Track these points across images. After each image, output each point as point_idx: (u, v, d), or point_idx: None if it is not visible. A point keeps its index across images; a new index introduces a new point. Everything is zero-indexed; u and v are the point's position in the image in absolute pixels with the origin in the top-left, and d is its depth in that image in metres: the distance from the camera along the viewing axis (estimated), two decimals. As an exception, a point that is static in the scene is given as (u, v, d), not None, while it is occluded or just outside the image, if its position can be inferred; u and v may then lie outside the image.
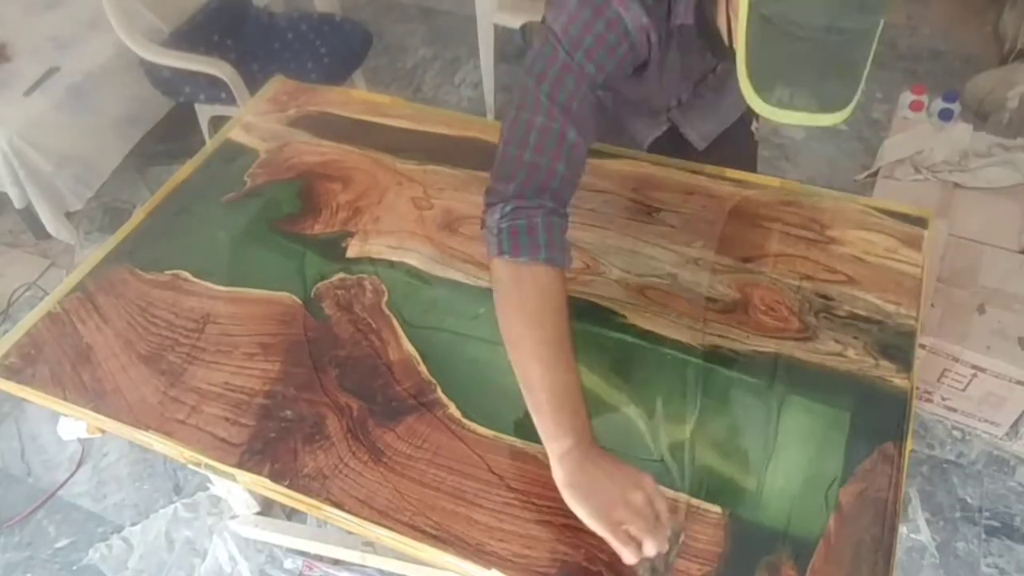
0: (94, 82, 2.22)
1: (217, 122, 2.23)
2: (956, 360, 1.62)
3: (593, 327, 1.06)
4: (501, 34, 2.38)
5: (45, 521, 1.76)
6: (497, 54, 2.43)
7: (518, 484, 0.91)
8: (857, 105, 0.75)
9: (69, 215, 2.27)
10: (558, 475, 0.82)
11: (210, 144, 1.40)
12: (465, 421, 0.97)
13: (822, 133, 2.50)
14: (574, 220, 1.20)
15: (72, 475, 1.82)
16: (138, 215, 1.27)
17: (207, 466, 0.97)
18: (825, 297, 1.08)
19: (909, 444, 0.92)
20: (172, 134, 2.51)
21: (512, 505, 0.89)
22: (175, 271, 1.18)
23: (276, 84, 1.52)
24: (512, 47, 2.82)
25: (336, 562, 1.59)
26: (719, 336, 1.04)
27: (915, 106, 2.08)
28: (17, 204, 2.18)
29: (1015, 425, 1.68)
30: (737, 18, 0.74)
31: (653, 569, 0.80)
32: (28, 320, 1.13)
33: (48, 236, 2.29)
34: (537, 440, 0.94)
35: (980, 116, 2.36)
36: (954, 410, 1.73)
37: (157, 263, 1.19)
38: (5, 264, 2.34)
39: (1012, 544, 1.57)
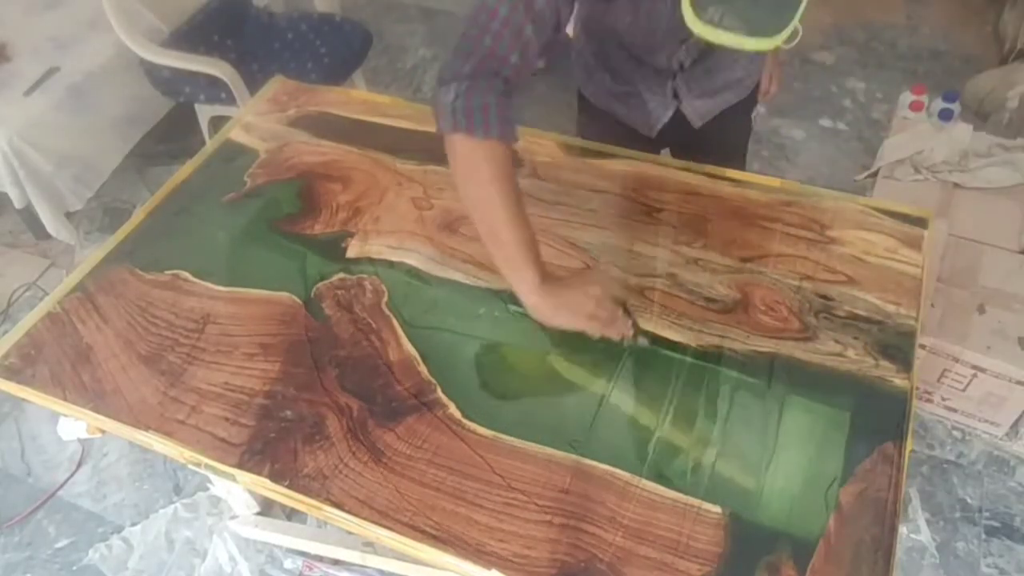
0: (94, 82, 2.22)
1: (217, 122, 2.23)
2: (956, 360, 1.62)
3: (593, 327, 1.06)
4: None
5: (45, 521, 1.76)
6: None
7: (518, 484, 0.91)
8: (792, 34, 0.79)
9: (69, 215, 2.27)
10: (531, 303, 0.97)
11: (210, 144, 1.40)
12: (465, 421, 0.97)
13: (822, 132, 2.50)
14: (574, 220, 1.20)
15: (72, 475, 1.82)
16: (138, 215, 1.27)
17: (207, 466, 0.97)
18: (825, 297, 1.08)
19: (909, 444, 0.92)
20: (172, 134, 2.51)
21: (512, 505, 0.89)
22: (175, 271, 1.18)
23: (276, 84, 1.52)
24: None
25: (336, 562, 1.59)
26: (719, 336, 1.04)
27: (915, 106, 2.08)
28: (17, 204, 2.18)
29: (1015, 425, 1.68)
30: None
31: (633, 335, 1.01)
32: (28, 320, 1.13)
33: (48, 236, 2.29)
34: (537, 440, 0.95)
35: (980, 116, 2.36)
36: (954, 410, 1.73)
37: (157, 263, 1.19)
38: (5, 264, 2.34)
39: (1012, 544, 1.56)
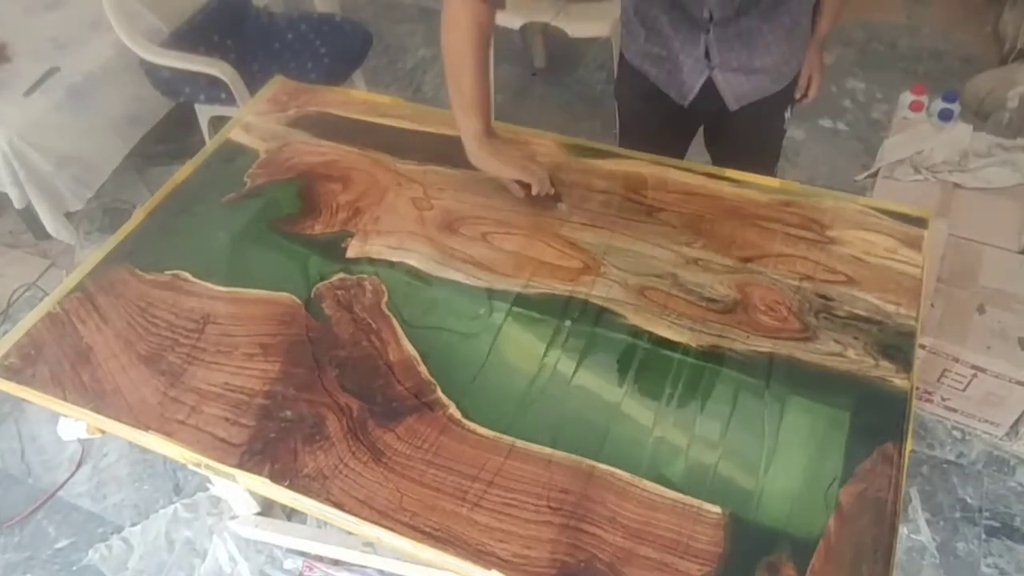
0: (94, 82, 2.22)
1: (217, 122, 2.23)
2: (956, 360, 1.62)
3: (593, 327, 1.06)
4: (501, 34, 2.38)
5: (45, 521, 1.76)
6: (497, 54, 2.43)
7: (518, 484, 0.91)
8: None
9: (69, 215, 2.27)
10: (471, 148, 1.17)
11: (210, 144, 1.40)
12: (465, 421, 0.97)
13: (822, 133, 2.51)
14: (574, 220, 1.20)
15: (72, 475, 1.82)
16: (138, 215, 1.27)
17: (207, 466, 0.97)
18: (825, 297, 1.08)
19: (909, 444, 0.92)
20: (172, 134, 2.51)
21: (512, 505, 0.89)
22: (175, 271, 1.18)
23: (276, 84, 1.52)
24: (512, 47, 2.83)
25: (336, 562, 1.59)
26: (719, 336, 1.04)
27: (915, 106, 2.08)
28: (17, 204, 2.18)
29: (1015, 425, 1.68)
30: None
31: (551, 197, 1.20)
32: (28, 320, 1.13)
33: (48, 236, 2.29)
34: (536, 440, 0.95)
35: (980, 116, 2.36)
36: (954, 410, 1.73)
37: (157, 263, 1.19)
38: (5, 264, 2.34)
39: (1012, 544, 1.56)
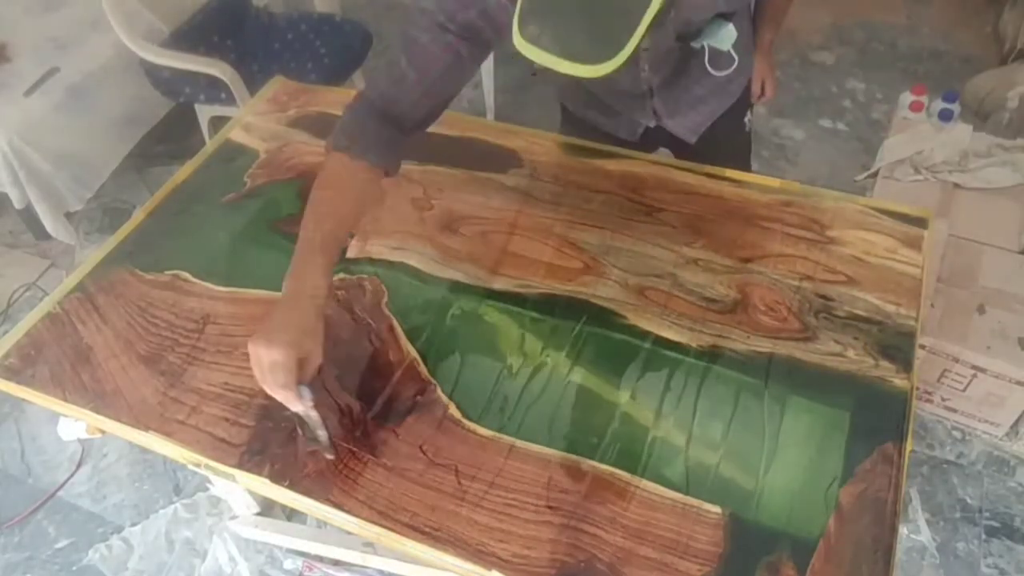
0: (94, 83, 2.22)
1: (217, 122, 2.23)
2: (956, 360, 1.62)
3: (593, 327, 1.06)
4: (501, 34, 2.38)
5: (45, 522, 1.75)
6: (497, 55, 2.43)
7: (518, 484, 0.91)
8: (618, 69, 0.72)
9: (69, 216, 2.27)
10: (304, 313, 0.89)
11: (210, 144, 1.40)
12: (465, 421, 0.97)
13: (822, 133, 2.51)
14: (574, 220, 1.20)
15: (72, 476, 1.82)
16: (138, 215, 1.27)
17: (207, 467, 0.97)
18: (825, 297, 1.08)
19: (909, 444, 0.92)
20: (172, 134, 2.51)
21: (512, 505, 0.89)
22: (175, 271, 1.18)
23: (276, 84, 1.52)
24: (512, 48, 2.82)
25: (336, 563, 1.59)
26: (719, 336, 1.04)
27: (915, 106, 2.08)
28: (17, 204, 2.18)
29: (1015, 425, 1.68)
30: None
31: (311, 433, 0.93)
32: (28, 321, 1.13)
33: (48, 237, 2.29)
34: (537, 440, 0.94)
35: (980, 116, 2.36)
36: (954, 410, 1.73)
37: (157, 263, 1.19)
38: (5, 264, 2.34)
39: (1012, 544, 1.56)
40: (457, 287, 1.13)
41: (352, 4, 3.17)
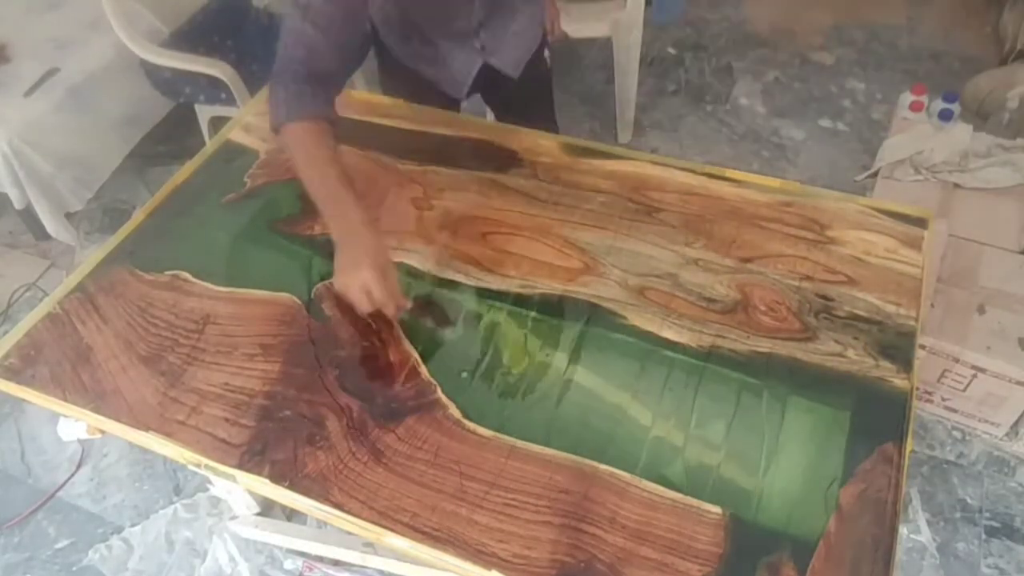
0: (94, 83, 2.22)
1: (217, 123, 2.23)
2: (956, 360, 1.62)
3: (593, 327, 1.06)
4: (501, 35, 2.38)
5: (45, 522, 1.75)
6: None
7: (518, 484, 0.91)
8: None
9: (69, 216, 2.27)
10: (338, 247, 1.03)
11: (210, 145, 1.40)
12: (465, 422, 0.97)
13: (822, 133, 2.51)
14: (574, 220, 1.20)
15: (72, 476, 1.82)
16: (138, 216, 1.27)
17: (207, 467, 0.97)
18: (825, 297, 1.08)
19: (909, 444, 0.92)
20: (172, 135, 2.51)
21: (512, 506, 0.89)
22: (175, 272, 1.18)
23: (276, 85, 1.51)
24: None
25: (336, 563, 1.59)
26: (719, 336, 1.04)
27: (915, 106, 2.08)
28: (17, 205, 2.18)
29: (1015, 425, 1.68)
30: None
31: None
32: (28, 321, 1.13)
33: (48, 237, 2.29)
34: (536, 440, 0.94)
35: (980, 116, 2.36)
36: (954, 410, 1.73)
37: (157, 264, 1.19)
38: (5, 265, 2.34)
39: (1012, 544, 1.56)
40: (457, 287, 1.13)
41: (352, 4, 3.17)
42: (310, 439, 0.96)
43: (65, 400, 1.03)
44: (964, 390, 1.67)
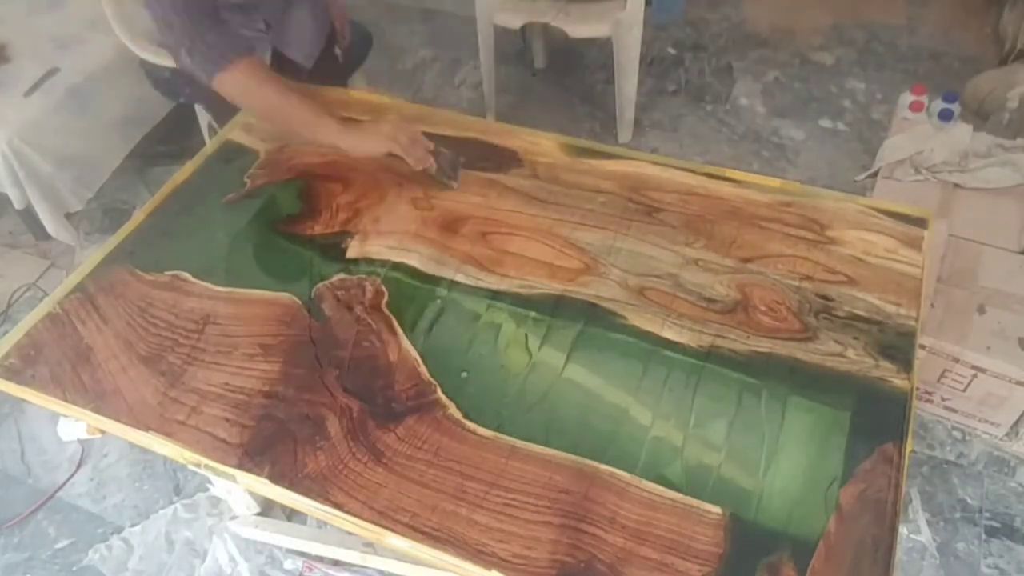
0: (94, 83, 2.22)
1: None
2: (956, 360, 1.62)
3: (593, 327, 1.06)
4: (501, 35, 2.38)
5: (45, 522, 1.75)
6: (497, 55, 2.43)
7: (518, 485, 0.91)
8: None
9: (69, 216, 2.27)
10: (343, 142, 1.22)
11: (210, 145, 1.40)
12: (465, 422, 0.97)
13: (822, 133, 2.51)
14: (574, 220, 1.20)
15: (72, 476, 1.82)
16: (138, 216, 1.27)
17: (207, 467, 0.97)
18: (825, 297, 1.08)
19: (909, 445, 0.92)
20: (172, 135, 2.51)
21: (512, 506, 0.89)
22: (175, 272, 1.18)
23: (276, 85, 1.52)
24: (512, 48, 2.83)
25: (336, 563, 1.59)
26: (719, 336, 1.04)
27: (915, 106, 2.08)
28: (17, 205, 2.18)
29: (1015, 426, 1.68)
30: None
31: (441, 170, 1.25)
32: (28, 321, 1.13)
33: (48, 237, 2.29)
34: (536, 440, 0.94)
35: (980, 116, 2.35)
36: (954, 410, 1.73)
37: (157, 264, 1.19)
38: (5, 265, 2.34)
39: (1012, 544, 1.56)
40: (457, 287, 1.13)
41: (352, 4, 3.15)
42: (310, 439, 0.96)
43: (65, 400, 1.03)
44: (964, 390, 1.67)
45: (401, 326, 1.08)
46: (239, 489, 1.54)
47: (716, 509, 0.88)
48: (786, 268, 1.12)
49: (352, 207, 1.26)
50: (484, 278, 1.14)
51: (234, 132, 1.41)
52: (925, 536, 1.58)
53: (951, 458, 1.71)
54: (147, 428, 0.99)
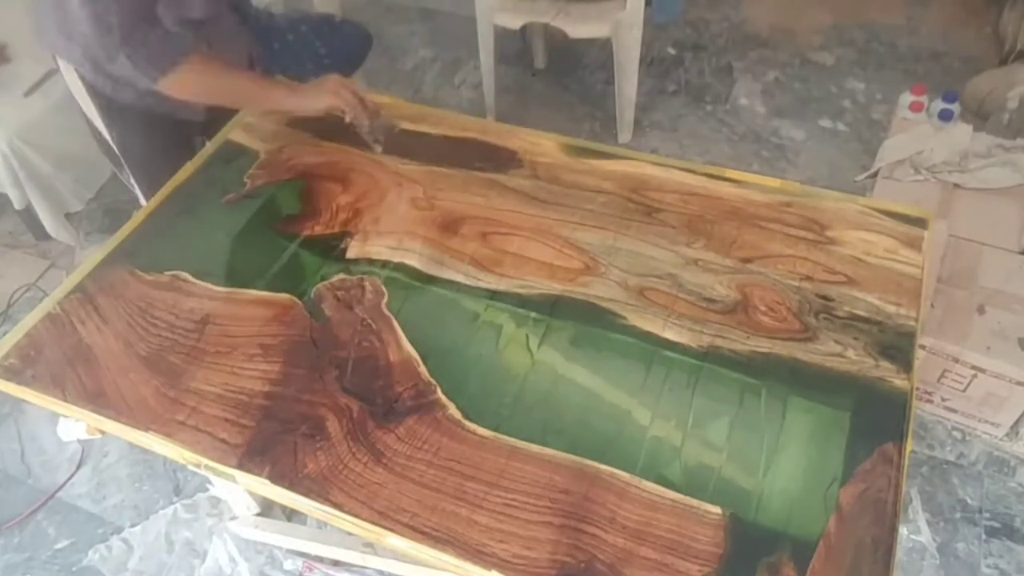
0: (94, 83, 2.22)
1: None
2: (956, 361, 1.62)
3: (593, 328, 1.06)
4: (501, 35, 2.38)
5: (45, 522, 1.75)
6: (497, 55, 2.43)
7: (518, 485, 0.91)
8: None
9: (69, 216, 2.27)
10: (292, 104, 1.30)
11: (210, 145, 1.40)
12: (465, 422, 0.97)
13: (822, 133, 2.51)
14: (574, 220, 1.20)
15: (72, 476, 1.82)
16: (138, 216, 1.27)
17: (207, 467, 0.97)
18: (825, 298, 1.08)
19: (909, 445, 0.92)
20: (172, 135, 2.50)
21: (512, 506, 0.89)
22: (175, 272, 1.18)
23: (276, 85, 1.52)
24: (512, 48, 2.82)
25: (336, 563, 1.59)
26: (719, 337, 1.04)
27: (915, 107, 2.08)
28: (17, 205, 2.18)
29: (1015, 426, 1.68)
30: None
31: (370, 131, 1.32)
32: (28, 321, 1.13)
33: (48, 237, 2.29)
34: (536, 440, 0.94)
35: (980, 116, 2.35)
36: (954, 411, 1.73)
37: (157, 264, 1.19)
38: (5, 265, 2.34)
39: (1012, 545, 1.56)
40: (457, 287, 1.13)
41: (352, 5, 3.17)
42: (310, 439, 0.96)
43: (65, 400, 1.03)
44: (964, 390, 1.67)
45: (401, 326, 1.08)
46: (239, 489, 1.54)
47: (716, 509, 0.88)
48: (786, 268, 1.12)
49: (352, 207, 1.26)
50: (484, 278, 1.14)
51: (234, 132, 1.41)
52: (925, 536, 1.58)
53: (951, 458, 1.71)
54: (147, 428, 0.99)
